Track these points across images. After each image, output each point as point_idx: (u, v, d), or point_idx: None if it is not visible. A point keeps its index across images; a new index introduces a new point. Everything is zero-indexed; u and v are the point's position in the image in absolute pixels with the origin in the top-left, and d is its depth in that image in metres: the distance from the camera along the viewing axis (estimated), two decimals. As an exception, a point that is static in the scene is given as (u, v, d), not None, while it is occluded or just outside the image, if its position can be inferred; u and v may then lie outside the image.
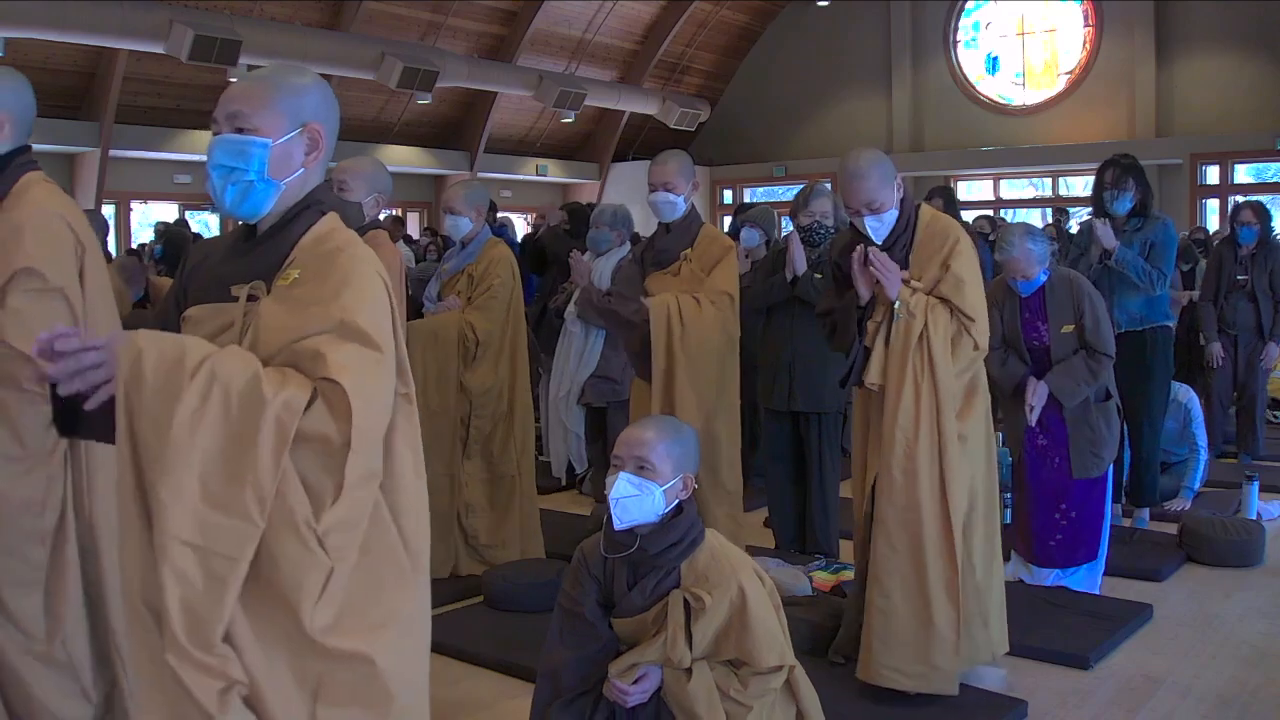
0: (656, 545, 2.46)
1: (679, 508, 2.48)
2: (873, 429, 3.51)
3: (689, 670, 2.44)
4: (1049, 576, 4.58)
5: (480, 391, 4.72)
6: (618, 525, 2.45)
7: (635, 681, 2.46)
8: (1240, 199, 7.41)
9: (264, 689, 1.68)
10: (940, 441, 3.36)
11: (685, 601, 2.45)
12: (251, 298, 1.84)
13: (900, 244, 3.48)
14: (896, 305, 3.39)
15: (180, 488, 1.62)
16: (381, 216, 4.43)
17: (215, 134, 1.88)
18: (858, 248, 3.43)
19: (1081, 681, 3.71)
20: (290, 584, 1.66)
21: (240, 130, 1.86)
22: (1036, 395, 4.40)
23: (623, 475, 2.42)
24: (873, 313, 3.47)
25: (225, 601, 1.62)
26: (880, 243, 3.46)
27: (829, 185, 5.14)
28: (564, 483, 6.54)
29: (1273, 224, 7.07)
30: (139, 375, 1.64)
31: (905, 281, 3.42)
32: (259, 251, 1.89)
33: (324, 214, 1.93)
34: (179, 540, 1.61)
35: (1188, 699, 3.57)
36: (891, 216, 3.44)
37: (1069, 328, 4.38)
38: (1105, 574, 4.62)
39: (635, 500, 2.42)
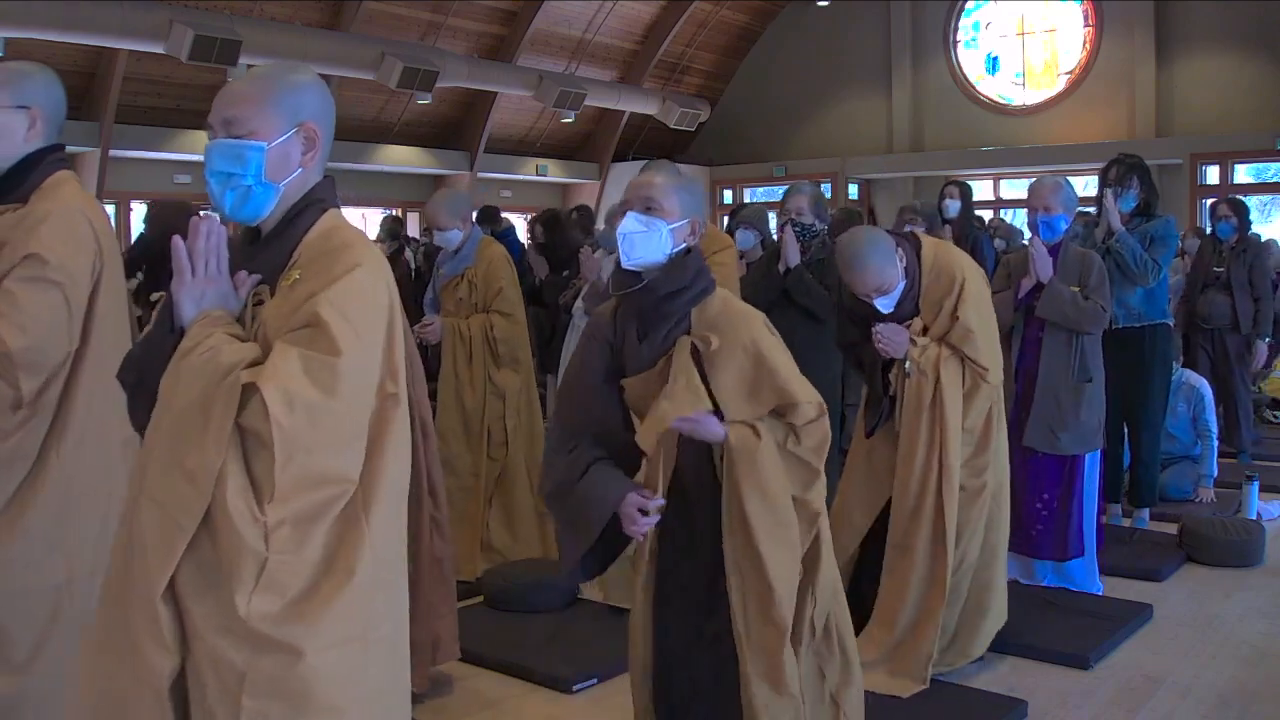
0: (665, 286, 2.43)
1: (687, 250, 2.48)
2: (879, 471, 3.67)
3: (756, 431, 2.41)
4: (1045, 571, 4.58)
5: (514, 391, 4.75)
6: (626, 262, 2.44)
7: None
8: (1240, 199, 7.49)
9: (195, 666, 1.73)
10: (943, 491, 3.53)
11: (695, 348, 2.42)
12: (257, 302, 1.85)
13: (908, 298, 3.58)
14: (907, 365, 3.52)
15: (158, 442, 1.74)
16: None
17: (211, 139, 1.87)
18: (874, 327, 3.54)
19: (1081, 681, 3.72)
20: (227, 567, 1.70)
21: (236, 135, 1.84)
22: (1041, 253, 4.38)
23: (630, 214, 2.44)
24: (894, 366, 3.61)
25: (169, 564, 1.70)
26: (889, 311, 3.56)
27: (806, 185, 5.16)
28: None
29: (1250, 219, 7.18)
30: (189, 333, 1.79)
31: (913, 341, 3.53)
32: (263, 255, 1.89)
33: (325, 211, 1.92)
34: (150, 497, 1.73)
35: (1188, 699, 3.57)
36: (899, 289, 3.53)
37: (1073, 289, 4.41)
38: (1105, 574, 4.62)
39: (643, 236, 2.42)
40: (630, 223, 2.42)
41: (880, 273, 3.44)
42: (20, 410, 2.40)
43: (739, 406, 2.42)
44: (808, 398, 2.44)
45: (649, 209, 2.43)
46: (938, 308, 3.53)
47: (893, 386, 3.59)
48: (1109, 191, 5.26)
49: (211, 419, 1.69)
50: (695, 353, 2.42)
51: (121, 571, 1.76)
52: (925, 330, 3.57)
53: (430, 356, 5.14)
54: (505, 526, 4.86)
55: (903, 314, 3.56)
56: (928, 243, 3.64)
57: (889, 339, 3.52)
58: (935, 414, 3.50)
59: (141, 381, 1.86)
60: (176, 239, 1.82)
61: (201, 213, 1.89)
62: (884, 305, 3.53)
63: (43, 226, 2.43)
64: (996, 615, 3.70)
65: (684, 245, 2.47)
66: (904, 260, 3.50)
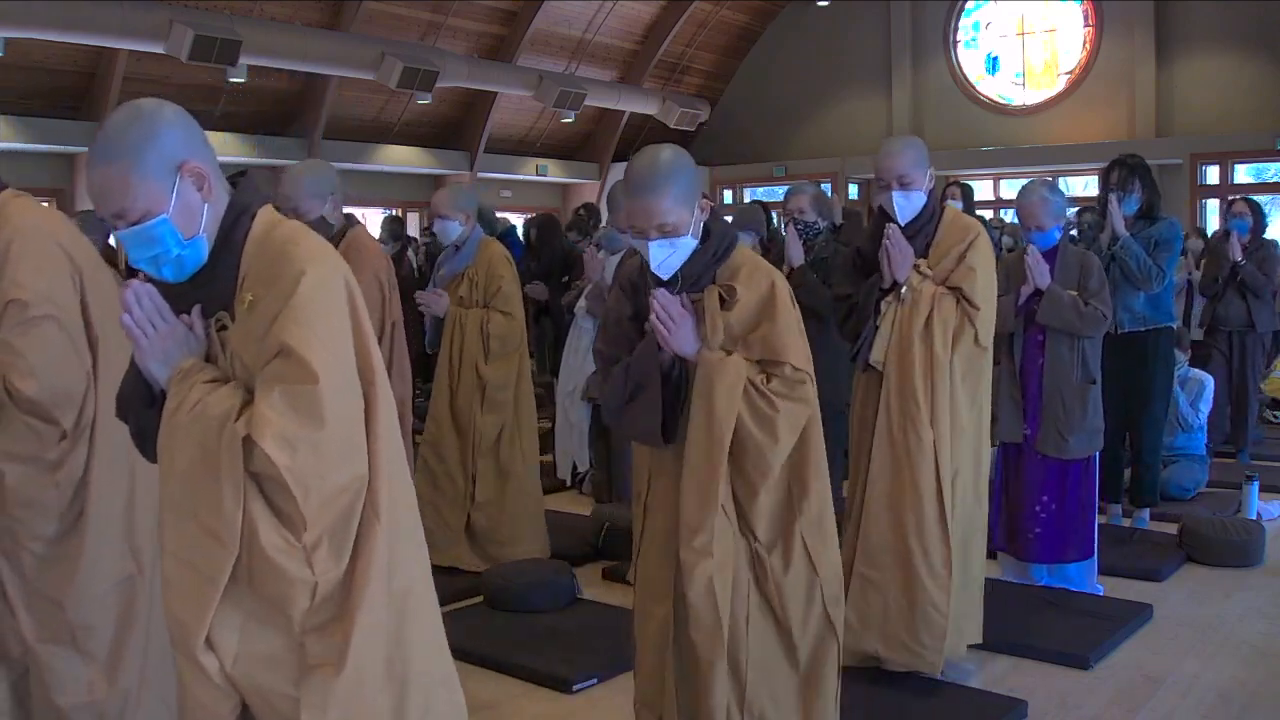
0: (696, 265, 2.55)
1: (705, 229, 2.56)
2: (868, 410, 3.60)
3: (727, 353, 2.49)
4: (1040, 574, 4.58)
5: (496, 386, 4.77)
6: (665, 276, 2.53)
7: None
8: (1257, 201, 7.55)
9: (256, 702, 1.80)
10: (935, 427, 3.46)
11: (720, 296, 2.53)
12: (221, 328, 1.85)
13: (923, 234, 3.59)
14: (904, 290, 3.48)
15: (170, 502, 1.77)
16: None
17: (114, 229, 1.84)
18: (886, 227, 3.53)
19: (1081, 681, 3.72)
20: (279, 602, 1.75)
21: (134, 222, 1.80)
22: (1038, 260, 4.39)
23: (651, 244, 2.49)
24: (888, 295, 3.57)
25: (205, 617, 1.74)
26: (904, 223, 3.55)
27: (808, 184, 5.16)
28: (569, 483, 6.56)
29: (1266, 220, 7.22)
30: (170, 393, 1.80)
31: (917, 268, 3.51)
32: (212, 283, 1.87)
33: (254, 215, 1.88)
34: (175, 556, 1.76)
35: (1188, 699, 3.57)
36: (919, 199, 3.55)
37: (1071, 291, 4.41)
38: (1105, 574, 4.62)
39: (673, 255, 2.51)
40: (657, 252, 2.49)
41: (910, 165, 3.51)
42: (64, 440, 2.45)
43: (728, 343, 2.53)
44: (793, 358, 2.49)
45: (664, 231, 2.48)
46: (947, 255, 3.54)
47: (881, 316, 3.55)
48: (1113, 196, 5.24)
49: (222, 475, 1.71)
50: (721, 301, 2.53)
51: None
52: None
53: (431, 358, 5.15)
54: (494, 523, 4.85)
55: (914, 249, 3.57)
56: (950, 207, 3.76)
57: (897, 245, 3.50)
58: (925, 342, 3.45)
59: (144, 439, 1.90)
60: (124, 317, 1.82)
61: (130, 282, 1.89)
62: (901, 206, 3.54)
63: (8, 265, 2.39)
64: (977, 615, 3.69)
65: (703, 227, 2.56)
66: (931, 182, 3.59)
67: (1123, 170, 5.30)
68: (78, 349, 2.46)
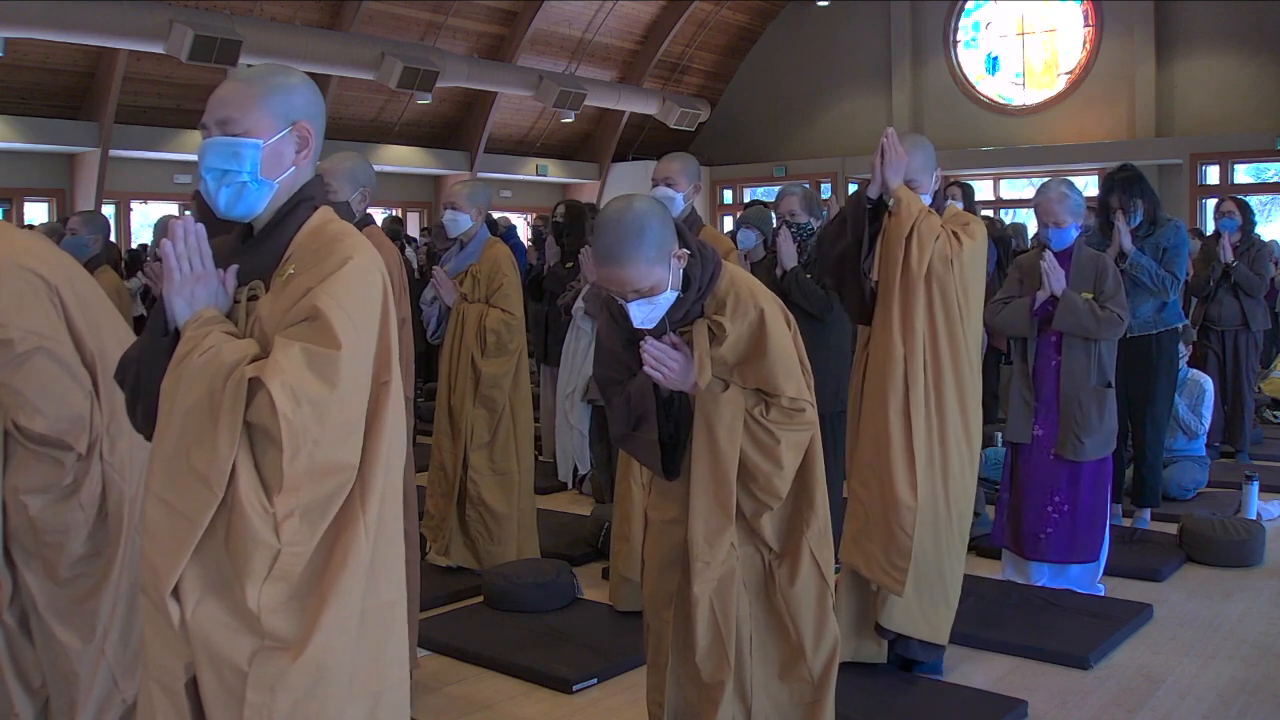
0: (681, 308, 2.49)
1: (685, 275, 2.49)
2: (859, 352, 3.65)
3: (725, 384, 2.50)
4: (1041, 575, 4.57)
5: (489, 382, 4.78)
6: (650, 327, 2.48)
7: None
8: (1245, 200, 7.55)
9: (204, 664, 1.76)
10: (906, 342, 3.47)
11: (710, 330, 2.50)
12: (252, 297, 1.87)
13: None
14: (890, 201, 3.54)
15: (165, 444, 1.77)
16: (380, 216, 4.45)
17: (205, 137, 1.89)
18: (886, 132, 3.58)
19: (1081, 681, 3.72)
20: (239, 561, 1.73)
21: (231, 133, 1.86)
22: (1054, 266, 4.39)
23: (631, 305, 2.44)
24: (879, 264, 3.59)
25: (179, 563, 1.73)
26: None
27: (796, 186, 5.18)
28: (570, 484, 6.55)
29: (1255, 219, 7.22)
30: (184, 335, 1.81)
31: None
32: (257, 252, 1.91)
33: (316, 209, 1.94)
34: (156, 495, 1.76)
35: (1188, 699, 3.57)
36: (924, 198, 3.58)
37: (1087, 294, 4.41)
38: (1106, 574, 4.62)
39: (654, 310, 2.46)
40: (637, 311, 2.44)
41: (920, 164, 3.56)
42: (80, 461, 2.46)
43: (723, 372, 2.52)
44: (788, 389, 2.49)
45: (639, 294, 2.42)
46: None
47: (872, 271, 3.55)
48: (1119, 218, 5.25)
49: (221, 418, 1.72)
50: (711, 335, 2.50)
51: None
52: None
53: (432, 356, 5.15)
54: (486, 522, 4.86)
55: None
56: (953, 204, 3.83)
57: (892, 148, 3.49)
58: (905, 256, 3.43)
59: (139, 384, 1.89)
60: (165, 243, 1.83)
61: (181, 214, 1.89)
62: None
63: None
64: (949, 606, 3.69)
65: (681, 275, 2.47)
66: (938, 184, 3.63)
67: (1123, 194, 5.29)
68: (73, 373, 2.44)
